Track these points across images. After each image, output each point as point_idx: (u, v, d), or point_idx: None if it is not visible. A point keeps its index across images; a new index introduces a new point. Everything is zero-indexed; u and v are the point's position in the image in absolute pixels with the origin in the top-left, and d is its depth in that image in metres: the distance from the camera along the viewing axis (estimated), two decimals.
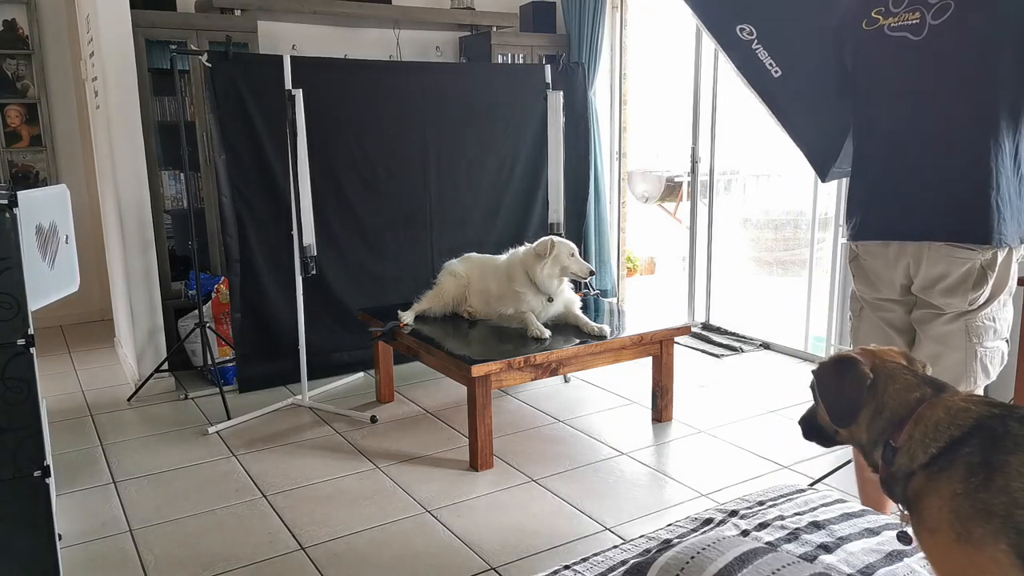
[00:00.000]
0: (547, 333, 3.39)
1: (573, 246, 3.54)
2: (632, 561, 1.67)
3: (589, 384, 4.23)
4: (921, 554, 1.50)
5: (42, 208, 2.46)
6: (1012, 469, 1.13)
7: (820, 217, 4.55)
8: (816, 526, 1.81)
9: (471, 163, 4.63)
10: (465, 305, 3.77)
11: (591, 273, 3.50)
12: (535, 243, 3.57)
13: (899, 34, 2.00)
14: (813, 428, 1.48)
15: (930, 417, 1.24)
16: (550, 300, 3.54)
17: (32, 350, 2.13)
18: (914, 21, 1.97)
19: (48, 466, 2.19)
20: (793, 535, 1.77)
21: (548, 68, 4.50)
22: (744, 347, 4.78)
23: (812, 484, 2.90)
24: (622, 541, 2.00)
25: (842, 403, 1.37)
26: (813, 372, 1.44)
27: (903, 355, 1.39)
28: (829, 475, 3.02)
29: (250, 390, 4.16)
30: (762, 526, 1.83)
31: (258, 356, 4.18)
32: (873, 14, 2.06)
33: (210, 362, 4.10)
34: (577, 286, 3.84)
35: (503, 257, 3.76)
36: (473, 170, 4.64)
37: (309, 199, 3.67)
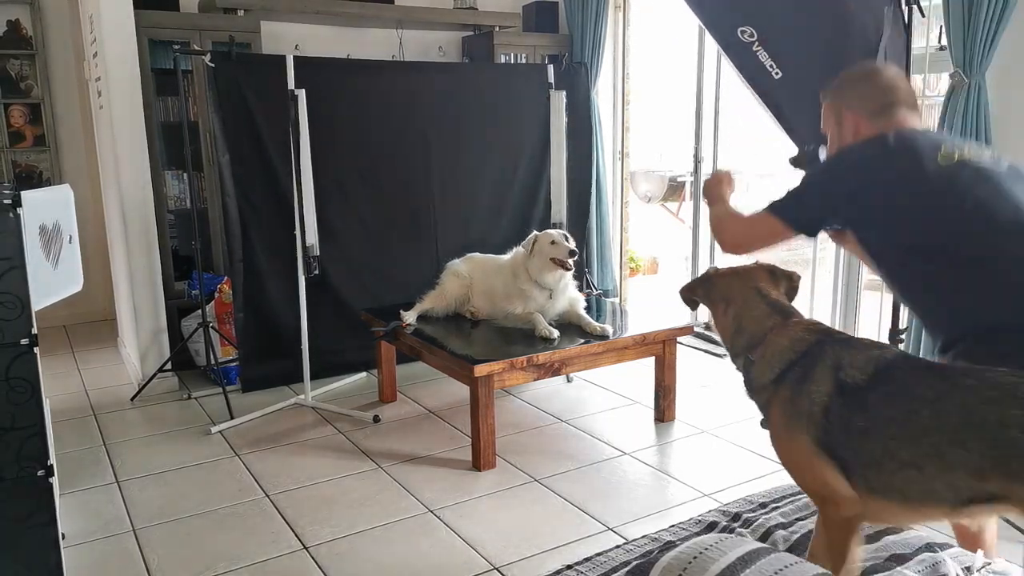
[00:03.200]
0: (555, 333, 3.39)
1: (554, 233, 3.53)
2: (635, 562, 1.68)
3: (591, 384, 4.23)
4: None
5: (46, 208, 2.46)
6: (815, 376, 1.51)
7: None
8: None
9: (474, 163, 4.62)
10: (468, 305, 3.77)
11: (572, 253, 3.44)
12: (523, 243, 3.63)
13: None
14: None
15: (776, 343, 1.61)
16: (551, 296, 3.54)
17: (36, 350, 2.13)
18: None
19: (51, 465, 2.20)
20: (796, 547, 1.77)
21: (551, 68, 4.50)
22: None
23: None
24: (625, 541, 2.01)
25: (684, 296, 1.88)
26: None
27: (768, 274, 1.75)
28: None
29: (253, 390, 4.16)
30: (766, 536, 1.83)
31: (261, 356, 4.18)
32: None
33: (213, 362, 4.10)
34: (580, 286, 3.84)
35: (507, 256, 3.76)
36: (476, 170, 4.64)
37: (312, 199, 3.67)
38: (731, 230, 2.02)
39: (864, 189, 1.78)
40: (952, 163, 1.73)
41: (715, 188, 2.14)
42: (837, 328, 1.82)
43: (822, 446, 1.47)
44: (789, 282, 1.76)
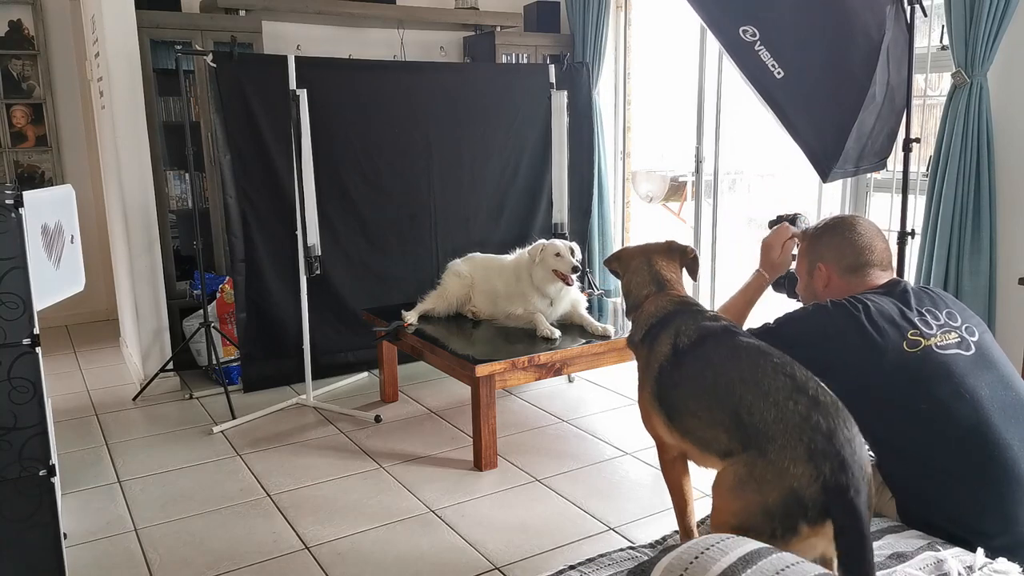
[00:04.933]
0: (557, 333, 3.39)
1: (560, 245, 3.50)
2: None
3: (593, 384, 4.23)
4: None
5: (48, 208, 2.47)
6: (661, 339, 1.78)
7: (824, 217, 4.53)
8: None
9: (475, 163, 4.63)
10: (469, 305, 3.77)
11: (574, 269, 3.44)
12: (528, 248, 3.61)
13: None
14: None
15: (648, 308, 1.90)
16: (551, 304, 3.55)
17: (38, 350, 2.14)
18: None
19: (53, 465, 2.20)
20: None
21: (552, 68, 4.50)
22: None
23: None
24: (630, 544, 2.01)
25: (607, 265, 2.13)
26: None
27: (665, 249, 2.01)
28: None
29: (254, 390, 4.17)
30: None
31: (262, 356, 4.18)
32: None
33: (215, 362, 4.11)
34: (582, 287, 3.84)
35: (510, 257, 3.76)
36: (477, 170, 4.64)
37: (313, 199, 3.67)
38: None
39: (826, 358, 1.78)
40: (918, 351, 1.75)
41: (771, 253, 2.20)
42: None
43: (656, 397, 1.77)
44: (683, 256, 2.01)
